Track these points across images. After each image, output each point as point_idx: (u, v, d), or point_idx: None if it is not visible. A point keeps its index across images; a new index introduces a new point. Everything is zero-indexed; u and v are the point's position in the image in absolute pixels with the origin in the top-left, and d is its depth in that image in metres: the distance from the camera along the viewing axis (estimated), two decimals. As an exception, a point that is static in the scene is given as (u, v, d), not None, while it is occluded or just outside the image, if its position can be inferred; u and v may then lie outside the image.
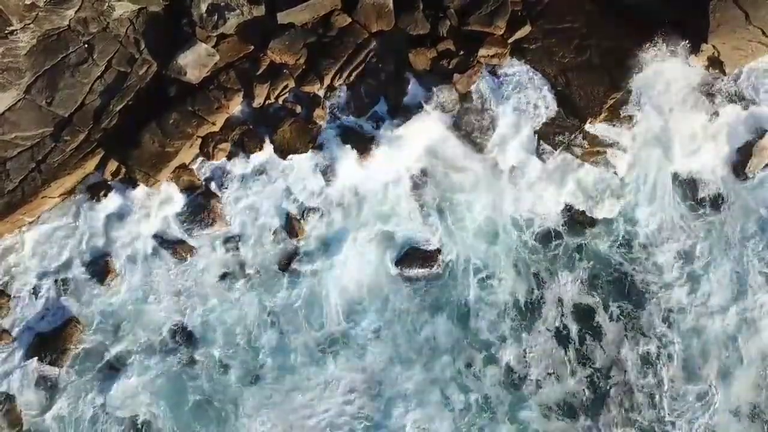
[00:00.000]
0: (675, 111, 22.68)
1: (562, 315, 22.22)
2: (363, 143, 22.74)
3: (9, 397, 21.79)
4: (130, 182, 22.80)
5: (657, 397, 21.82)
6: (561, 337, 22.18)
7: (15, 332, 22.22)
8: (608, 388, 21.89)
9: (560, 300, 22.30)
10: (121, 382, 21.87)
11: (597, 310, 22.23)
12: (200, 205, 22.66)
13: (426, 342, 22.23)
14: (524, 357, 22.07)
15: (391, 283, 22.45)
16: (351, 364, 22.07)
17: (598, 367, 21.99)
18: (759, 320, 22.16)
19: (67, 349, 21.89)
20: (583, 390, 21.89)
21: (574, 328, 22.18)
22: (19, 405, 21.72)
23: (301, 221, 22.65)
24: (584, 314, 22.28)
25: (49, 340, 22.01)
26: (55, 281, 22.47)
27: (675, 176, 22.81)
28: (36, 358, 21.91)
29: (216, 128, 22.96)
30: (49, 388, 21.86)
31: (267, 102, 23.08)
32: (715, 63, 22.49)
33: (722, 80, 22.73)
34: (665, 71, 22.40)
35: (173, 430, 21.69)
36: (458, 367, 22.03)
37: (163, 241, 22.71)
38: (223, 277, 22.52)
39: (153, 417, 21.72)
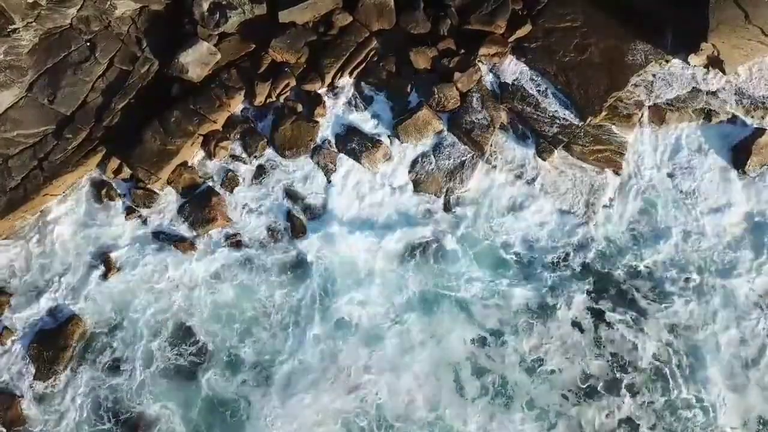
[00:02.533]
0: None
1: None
2: (364, 142, 22.83)
3: (10, 395, 21.84)
4: (132, 180, 22.94)
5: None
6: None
7: (17, 329, 22.31)
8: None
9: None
10: (124, 378, 22.01)
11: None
12: (201, 203, 22.71)
13: (438, 328, 21.95)
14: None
15: (396, 277, 22.31)
16: (360, 352, 21.88)
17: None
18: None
19: (69, 345, 21.91)
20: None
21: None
22: (20, 402, 21.77)
23: (303, 219, 22.70)
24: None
25: (50, 337, 22.05)
26: (58, 278, 22.56)
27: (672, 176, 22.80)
28: (37, 355, 21.97)
29: (217, 126, 23.07)
30: (50, 384, 21.88)
31: (268, 100, 23.17)
32: (715, 62, 22.55)
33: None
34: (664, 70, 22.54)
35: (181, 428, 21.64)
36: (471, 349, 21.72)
37: (164, 237, 22.78)
38: (225, 273, 22.50)
39: (161, 414, 21.72)
